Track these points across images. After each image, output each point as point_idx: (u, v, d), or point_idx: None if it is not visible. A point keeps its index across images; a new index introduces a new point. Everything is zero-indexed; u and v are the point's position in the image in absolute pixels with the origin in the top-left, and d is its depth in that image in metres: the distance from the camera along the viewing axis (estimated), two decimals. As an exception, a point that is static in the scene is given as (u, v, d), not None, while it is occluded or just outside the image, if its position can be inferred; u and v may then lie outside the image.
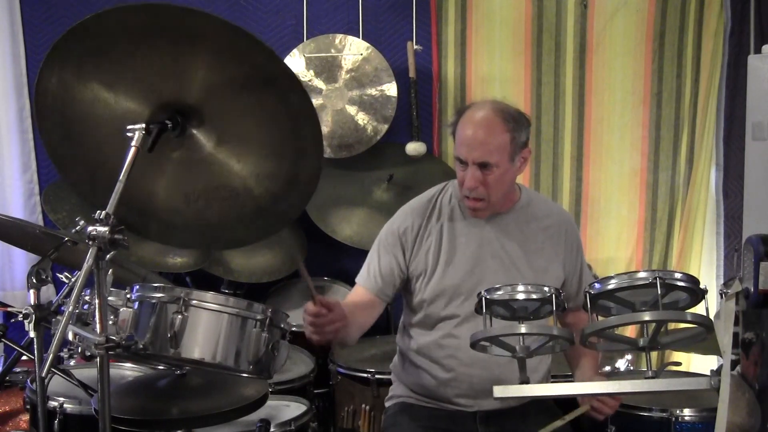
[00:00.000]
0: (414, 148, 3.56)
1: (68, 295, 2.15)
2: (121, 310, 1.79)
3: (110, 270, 1.68)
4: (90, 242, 1.61)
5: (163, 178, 1.97)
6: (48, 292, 3.06)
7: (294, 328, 2.08)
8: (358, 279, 2.35)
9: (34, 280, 2.12)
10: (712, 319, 1.58)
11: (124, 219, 1.69)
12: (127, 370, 2.57)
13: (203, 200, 2.00)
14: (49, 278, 2.18)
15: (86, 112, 1.86)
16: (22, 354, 2.60)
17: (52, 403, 2.38)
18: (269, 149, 1.95)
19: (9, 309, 3.32)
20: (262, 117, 1.89)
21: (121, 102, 1.85)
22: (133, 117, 1.83)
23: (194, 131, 1.90)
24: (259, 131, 1.92)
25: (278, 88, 1.83)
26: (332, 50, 3.56)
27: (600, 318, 1.63)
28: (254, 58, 1.78)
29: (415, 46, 3.61)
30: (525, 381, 1.63)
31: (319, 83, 3.55)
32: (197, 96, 1.84)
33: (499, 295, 1.67)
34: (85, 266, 1.60)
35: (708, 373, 1.58)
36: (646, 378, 1.58)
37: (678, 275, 1.56)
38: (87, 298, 1.92)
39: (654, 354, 1.65)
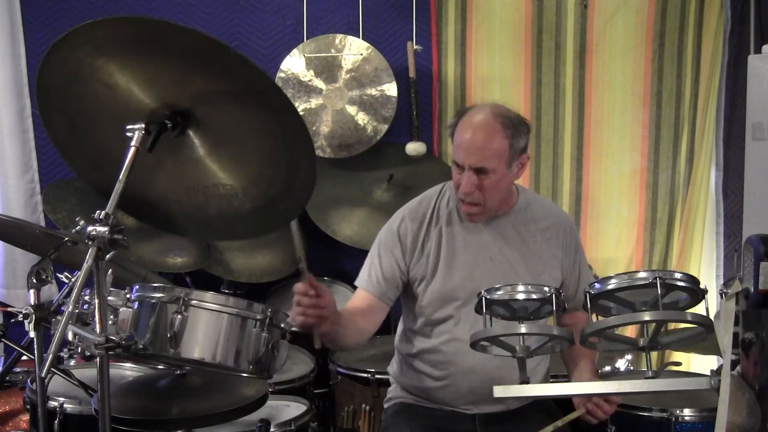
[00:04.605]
0: (414, 148, 3.56)
1: (68, 295, 2.15)
2: (121, 310, 1.78)
3: (110, 270, 1.68)
4: (90, 242, 1.61)
5: (163, 169, 2.00)
6: (50, 291, 3.07)
7: (294, 328, 2.07)
8: (359, 283, 2.31)
9: (34, 280, 2.13)
10: (712, 319, 1.58)
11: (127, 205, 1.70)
12: (127, 370, 2.57)
13: (202, 194, 2.02)
14: (50, 278, 2.18)
15: (90, 92, 1.86)
16: (22, 354, 2.60)
17: (52, 403, 2.38)
18: (260, 163, 1.97)
19: (9, 309, 3.32)
20: (254, 132, 1.91)
21: (127, 89, 1.86)
22: (136, 106, 1.84)
23: (191, 133, 1.91)
24: (251, 145, 1.95)
25: (274, 110, 1.85)
26: (332, 50, 3.56)
27: (600, 318, 1.63)
28: (248, 79, 1.80)
29: (415, 46, 3.61)
30: (525, 381, 1.63)
31: (319, 83, 3.55)
32: (192, 103, 1.86)
33: (499, 295, 1.67)
34: (85, 266, 1.60)
35: (708, 373, 1.58)
36: (646, 378, 1.58)
37: (678, 275, 1.56)
38: (87, 298, 1.92)
39: (654, 354, 1.65)
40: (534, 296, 1.66)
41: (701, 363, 3.33)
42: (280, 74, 3.54)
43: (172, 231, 2.22)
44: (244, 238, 3.03)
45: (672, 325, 2.05)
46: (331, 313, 2.01)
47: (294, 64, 3.54)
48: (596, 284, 1.60)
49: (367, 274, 2.30)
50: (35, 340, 2.07)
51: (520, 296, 1.66)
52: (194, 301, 1.82)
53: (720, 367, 1.55)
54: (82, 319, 1.85)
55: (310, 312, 1.96)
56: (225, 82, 1.81)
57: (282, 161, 1.95)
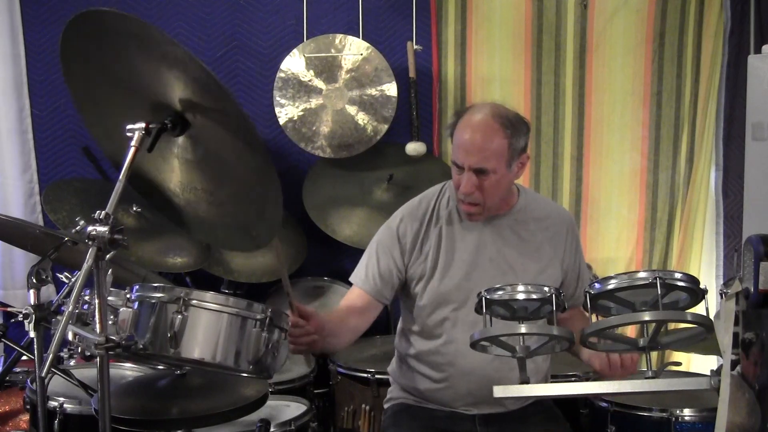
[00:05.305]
0: (414, 148, 3.56)
1: (68, 295, 2.15)
2: (121, 310, 1.78)
3: (110, 270, 1.68)
4: (90, 242, 1.61)
5: (169, 158, 2.03)
6: (50, 291, 3.07)
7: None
8: (355, 280, 2.31)
9: (34, 280, 2.13)
10: (712, 319, 1.58)
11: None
12: (127, 370, 2.57)
13: (193, 194, 2.05)
14: (49, 278, 2.18)
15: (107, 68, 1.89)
16: (22, 354, 2.60)
17: (52, 403, 2.38)
18: (236, 185, 2.00)
19: (9, 309, 3.32)
20: (236, 155, 1.93)
21: (135, 78, 1.87)
22: (139, 100, 1.85)
23: (188, 136, 1.92)
24: (231, 164, 1.97)
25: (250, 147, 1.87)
26: (332, 50, 3.56)
27: (600, 318, 1.63)
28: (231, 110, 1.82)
29: (415, 46, 3.61)
30: (525, 381, 1.63)
31: (319, 83, 3.55)
32: (188, 112, 1.87)
33: (499, 295, 1.67)
34: (85, 266, 1.60)
35: (708, 373, 1.58)
36: (646, 378, 1.58)
37: (678, 275, 1.56)
38: (87, 298, 1.92)
39: (654, 354, 1.65)
40: (534, 296, 1.66)
41: (701, 363, 3.33)
42: (280, 74, 3.54)
43: (171, 219, 2.24)
44: (223, 247, 3.15)
45: (672, 325, 2.06)
46: (320, 333, 2.07)
47: (294, 64, 3.54)
48: (596, 284, 1.60)
49: (363, 273, 2.30)
50: (35, 340, 2.07)
51: (520, 296, 1.66)
52: (194, 301, 1.82)
53: (720, 367, 1.55)
54: (82, 319, 1.85)
55: (301, 341, 2.04)
56: (213, 102, 1.82)
57: (254, 191, 1.98)
